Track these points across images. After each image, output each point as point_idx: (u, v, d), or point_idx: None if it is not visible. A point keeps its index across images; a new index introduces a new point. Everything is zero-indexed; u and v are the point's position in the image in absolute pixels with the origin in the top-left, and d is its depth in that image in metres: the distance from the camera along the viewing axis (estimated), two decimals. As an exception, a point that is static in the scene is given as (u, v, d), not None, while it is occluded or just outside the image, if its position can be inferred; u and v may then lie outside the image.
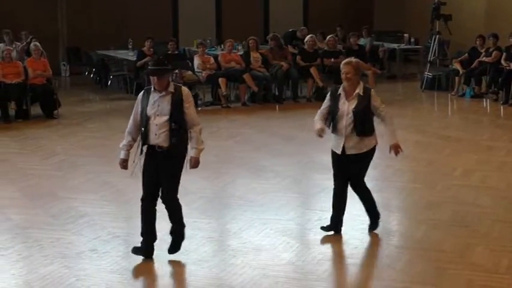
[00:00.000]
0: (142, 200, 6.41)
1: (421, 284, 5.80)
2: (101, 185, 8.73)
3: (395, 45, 18.79)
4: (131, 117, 6.34)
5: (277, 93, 15.03)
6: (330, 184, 8.61)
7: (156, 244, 6.60)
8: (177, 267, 6.18)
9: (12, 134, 11.89)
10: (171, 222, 6.41)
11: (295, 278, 5.94)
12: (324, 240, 6.80)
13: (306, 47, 15.51)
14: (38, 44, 13.76)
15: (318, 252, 6.50)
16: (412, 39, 18.94)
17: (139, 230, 7.07)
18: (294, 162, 9.92)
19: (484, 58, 15.24)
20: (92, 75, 17.90)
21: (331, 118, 6.86)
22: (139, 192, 8.33)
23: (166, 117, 6.10)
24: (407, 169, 9.47)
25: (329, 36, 16.02)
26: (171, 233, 6.41)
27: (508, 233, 7.00)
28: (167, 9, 20.14)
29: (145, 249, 6.35)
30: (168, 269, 6.13)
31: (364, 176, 6.93)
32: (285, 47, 15.83)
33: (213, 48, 17.04)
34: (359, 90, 6.75)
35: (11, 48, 14.15)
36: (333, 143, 6.91)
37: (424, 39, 18.41)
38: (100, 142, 11.23)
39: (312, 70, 14.92)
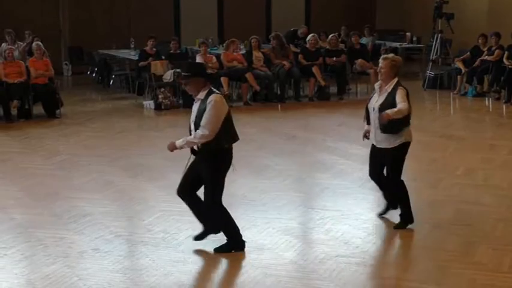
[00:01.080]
0: None
1: (424, 283, 5.80)
2: (103, 184, 8.73)
3: (397, 44, 18.77)
4: None
5: (279, 92, 15.03)
6: (332, 183, 8.67)
7: (158, 243, 6.61)
8: (180, 266, 6.18)
9: (14, 133, 11.91)
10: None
11: (297, 277, 5.94)
12: (326, 240, 6.80)
13: (308, 46, 15.51)
14: (40, 43, 13.76)
15: (320, 251, 6.49)
16: (414, 38, 18.93)
17: (142, 229, 7.11)
18: (296, 162, 9.92)
19: (486, 57, 15.24)
20: (94, 75, 17.92)
21: (366, 110, 7.09)
22: (141, 191, 8.40)
23: (193, 125, 6.24)
24: (410, 168, 9.43)
25: (331, 35, 16.02)
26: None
27: (510, 232, 6.99)
28: (169, 9, 20.16)
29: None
30: (170, 268, 6.13)
31: (395, 171, 6.96)
32: (287, 46, 15.82)
33: (215, 48, 17.03)
34: (388, 87, 6.84)
35: (13, 47, 14.17)
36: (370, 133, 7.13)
37: (426, 38, 18.38)
38: (102, 141, 11.24)
39: (314, 69, 14.91)
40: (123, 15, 19.25)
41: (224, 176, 6.33)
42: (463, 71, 15.47)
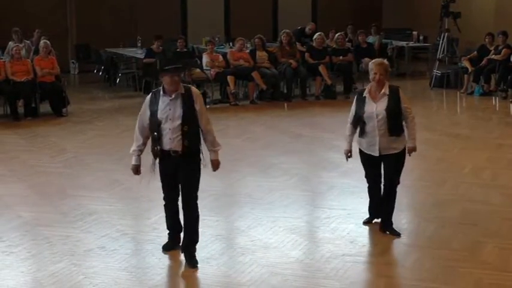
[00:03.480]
0: (165, 204, 6.34)
1: (430, 282, 5.79)
2: (109, 182, 8.75)
3: (404, 43, 18.75)
4: (138, 121, 6.19)
5: (285, 91, 15.02)
6: (338, 182, 8.66)
7: (164, 241, 6.61)
8: (186, 265, 6.17)
9: (21, 131, 11.93)
10: (185, 233, 6.20)
11: (303, 276, 5.93)
12: (333, 238, 6.80)
13: (314, 44, 15.50)
14: (47, 41, 13.78)
15: (326, 250, 6.49)
16: (421, 37, 18.89)
17: (148, 227, 7.11)
18: (303, 160, 9.92)
19: (493, 56, 15.20)
20: (100, 73, 17.94)
21: (359, 122, 6.81)
22: (147, 190, 8.37)
23: (179, 121, 5.91)
24: (417, 167, 9.44)
25: (338, 34, 16.00)
26: (184, 248, 6.22)
27: (517, 231, 6.98)
28: (176, 7, 20.17)
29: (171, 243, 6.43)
30: (177, 266, 6.13)
31: (398, 175, 6.93)
32: (294, 44, 15.79)
33: (222, 46, 17.02)
34: (385, 89, 6.72)
35: (20, 46, 14.20)
36: (363, 145, 6.87)
37: (433, 36, 18.34)
38: (109, 140, 11.25)
39: (321, 68, 14.90)
40: (130, 14, 19.26)
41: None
42: (469, 70, 15.44)
